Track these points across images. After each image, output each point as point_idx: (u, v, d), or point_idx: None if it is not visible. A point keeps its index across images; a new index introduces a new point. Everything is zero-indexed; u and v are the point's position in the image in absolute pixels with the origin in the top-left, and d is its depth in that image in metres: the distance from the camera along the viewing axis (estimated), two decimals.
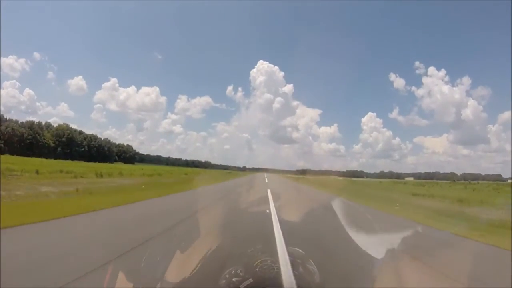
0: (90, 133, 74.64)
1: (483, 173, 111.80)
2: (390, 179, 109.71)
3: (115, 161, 79.81)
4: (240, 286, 1.61)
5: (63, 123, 64.50)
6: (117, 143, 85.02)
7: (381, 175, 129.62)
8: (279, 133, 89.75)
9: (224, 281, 1.71)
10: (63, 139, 60.94)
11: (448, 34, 77.50)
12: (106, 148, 73.99)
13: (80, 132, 68.14)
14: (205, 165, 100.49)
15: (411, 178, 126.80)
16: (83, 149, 65.40)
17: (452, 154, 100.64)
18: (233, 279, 1.70)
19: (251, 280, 1.65)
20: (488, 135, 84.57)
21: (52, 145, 58.64)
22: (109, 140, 79.98)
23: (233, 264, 1.83)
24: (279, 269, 1.82)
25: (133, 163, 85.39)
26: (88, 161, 60.89)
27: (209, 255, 2.35)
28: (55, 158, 50.07)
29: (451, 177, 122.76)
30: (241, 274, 1.73)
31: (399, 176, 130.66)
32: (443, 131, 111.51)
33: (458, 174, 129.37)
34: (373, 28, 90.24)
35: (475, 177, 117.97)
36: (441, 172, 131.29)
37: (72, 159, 54.30)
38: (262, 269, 1.81)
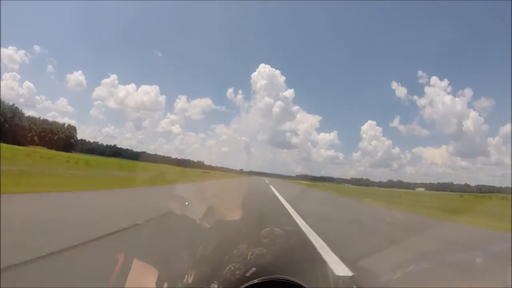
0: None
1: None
2: (400, 189, 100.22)
3: (32, 143, 52.52)
4: (247, 275, 1.62)
5: None
6: (48, 119, 58.20)
7: (389, 184, 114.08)
8: (278, 137, 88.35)
9: (228, 274, 1.70)
10: None
11: (451, 44, 78.87)
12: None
13: None
14: (197, 166, 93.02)
15: (422, 189, 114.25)
16: None
17: (451, 166, 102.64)
18: (236, 272, 1.69)
19: (254, 268, 1.66)
20: (488, 148, 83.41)
21: None
22: (18, 108, 52.80)
23: (229, 263, 1.80)
24: (273, 256, 1.86)
25: (70, 151, 59.30)
26: None
27: None
28: None
29: (466, 189, 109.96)
30: (241, 267, 1.72)
31: (408, 186, 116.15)
32: (443, 142, 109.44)
33: (472, 185, 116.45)
34: (376, 36, 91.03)
35: (490, 189, 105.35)
36: (455, 183, 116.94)
37: None
38: (258, 259, 1.84)
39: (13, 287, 2.50)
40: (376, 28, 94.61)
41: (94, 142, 79.35)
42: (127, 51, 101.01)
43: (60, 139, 59.06)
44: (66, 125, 65.38)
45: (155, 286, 1.79)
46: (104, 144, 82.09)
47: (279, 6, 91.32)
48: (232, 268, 1.73)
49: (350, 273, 3.21)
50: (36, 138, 55.12)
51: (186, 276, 1.90)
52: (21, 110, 53.61)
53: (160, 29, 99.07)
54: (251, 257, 1.88)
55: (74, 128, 66.86)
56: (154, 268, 2.00)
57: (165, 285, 1.80)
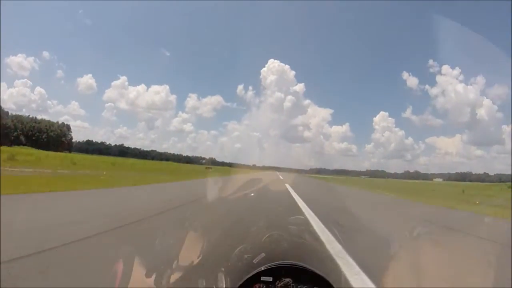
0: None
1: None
2: (417, 180, 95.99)
3: (17, 143, 46.55)
4: (254, 261, 1.61)
5: None
6: (34, 116, 52.26)
7: (406, 175, 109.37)
8: (290, 132, 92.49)
9: (236, 258, 1.71)
10: None
11: (462, 31, 72.76)
12: None
13: None
14: (208, 162, 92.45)
15: (440, 179, 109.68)
16: None
17: (466, 155, 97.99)
18: (245, 256, 1.69)
19: (263, 254, 1.64)
20: (503, 136, 79.23)
21: None
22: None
23: (242, 243, 1.80)
24: (287, 241, 1.83)
25: (61, 151, 53.58)
26: None
27: None
28: None
29: (485, 178, 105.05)
30: (251, 250, 1.72)
31: (426, 177, 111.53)
32: (456, 131, 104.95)
33: (491, 175, 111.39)
34: (385, 26, 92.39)
35: (509, 178, 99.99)
36: (474, 173, 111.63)
37: None
38: (271, 243, 1.82)
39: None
40: (385, 18, 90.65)
41: (101, 142, 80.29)
42: (136, 52, 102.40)
43: (50, 138, 53.15)
44: (59, 123, 60.19)
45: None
46: (112, 144, 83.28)
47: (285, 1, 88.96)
48: (242, 250, 1.70)
49: None
50: (22, 137, 49.21)
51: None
52: (3, 108, 48.06)
53: (167, 28, 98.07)
54: (265, 239, 1.82)
55: (67, 126, 61.49)
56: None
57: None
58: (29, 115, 57.40)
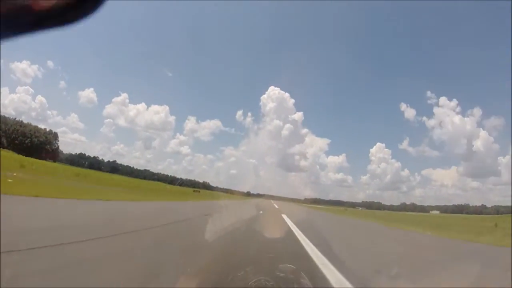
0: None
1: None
2: (414, 212, 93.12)
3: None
4: None
5: None
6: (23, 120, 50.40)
7: (402, 207, 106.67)
8: (287, 160, 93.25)
9: None
10: None
11: (459, 63, 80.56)
12: None
13: None
14: (201, 186, 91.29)
15: (437, 212, 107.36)
16: None
17: (461, 187, 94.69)
18: None
19: None
20: (499, 167, 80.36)
21: None
22: None
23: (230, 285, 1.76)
24: (273, 286, 1.76)
25: (45, 159, 50.83)
26: None
27: None
28: None
29: (483, 210, 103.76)
30: None
31: (422, 209, 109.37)
32: (453, 163, 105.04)
33: (488, 207, 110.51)
34: (384, 58, 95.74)
35: (508, 210, 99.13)
36: (471, 205, 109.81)
37: None
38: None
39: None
40: (384, 50, 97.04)
41: (94, 157, 79.47)
42: (139, 71, 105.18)
43: (33, 144, 50.63)
44: (46, 130, 58.04)
45: None
46: (105, 160, 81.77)
47: (288, 29, 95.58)
48: None
49: None
50: (4, 140, 46.73)
51: None
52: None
53: (171, 50, 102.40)
54: (252, 284, 1.75)
55: (54, 135, 59.28)
56: None
57: None
58: (15, 118, 55.51)
